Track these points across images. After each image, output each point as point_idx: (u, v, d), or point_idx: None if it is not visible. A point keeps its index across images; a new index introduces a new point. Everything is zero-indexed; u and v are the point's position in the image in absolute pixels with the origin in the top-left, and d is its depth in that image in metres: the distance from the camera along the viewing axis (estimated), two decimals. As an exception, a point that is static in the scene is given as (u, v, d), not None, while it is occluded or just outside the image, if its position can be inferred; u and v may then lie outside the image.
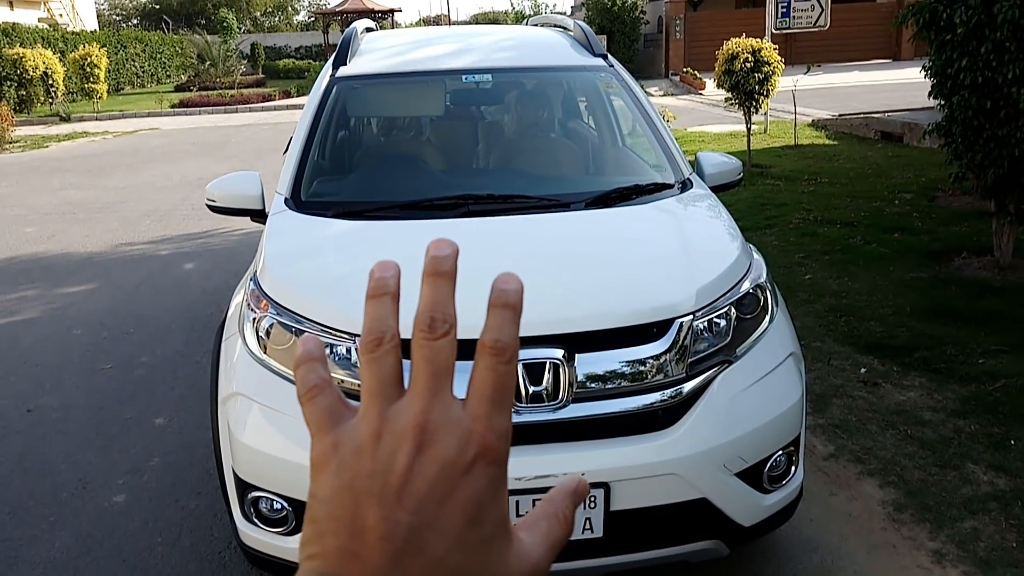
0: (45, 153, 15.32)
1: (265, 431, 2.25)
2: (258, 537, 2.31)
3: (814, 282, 5.64)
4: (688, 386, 2.27)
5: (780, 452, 2.44)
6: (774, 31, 12.39)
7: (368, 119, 4.03)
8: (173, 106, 23.19)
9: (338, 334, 2.24)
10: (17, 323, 5.63)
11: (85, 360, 4.88)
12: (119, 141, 16.87)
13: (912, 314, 4.92)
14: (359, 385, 2.17)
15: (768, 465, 2.40)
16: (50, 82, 22.36)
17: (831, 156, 10.40)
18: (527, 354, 2.16)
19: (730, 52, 9.37)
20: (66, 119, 21.29)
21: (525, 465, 2.13)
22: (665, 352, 2.27)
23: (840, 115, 13.26)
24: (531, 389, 2.15)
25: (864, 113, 12.66)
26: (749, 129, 9.82)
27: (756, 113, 9.69)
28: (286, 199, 3.02)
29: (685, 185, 3.16)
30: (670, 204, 2.96)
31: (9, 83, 22.07)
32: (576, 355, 2.20)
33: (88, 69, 21.90)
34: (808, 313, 5.06)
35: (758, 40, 9.47)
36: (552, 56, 3.81)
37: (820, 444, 3.55)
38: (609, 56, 3.78)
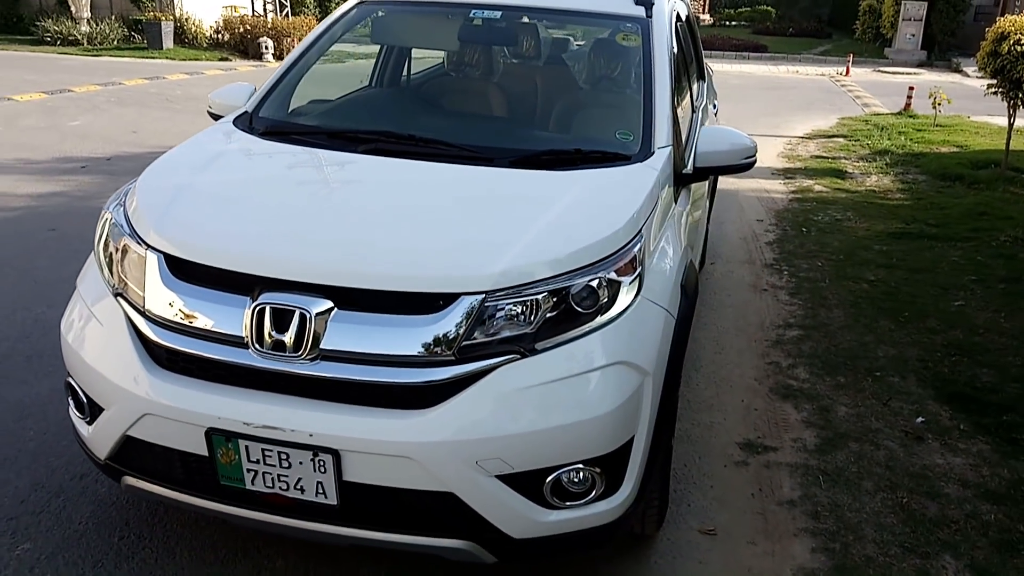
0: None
1: (77, 325, 2.39)
2: (74, 420, 2.48)
3: (960, 311, 4.70)
4: (454, 371, 2.06)
5: (579, 466, 2.14)
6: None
7: (383, 47, 3.92)
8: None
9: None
10: None
11: None
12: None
13: (1047, 370, 3.93)
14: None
15: (551, 476, 2.11)
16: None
17: None
18: (279, 298, 2.09)
19: (1000, 31, 7.86)
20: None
21: (254, 412, 2.08)
22: (439, 328, 2.06)
23: None
24: (274, 336, 2.07)
25: None
26: (1011, 124, 8.24)
27: (1022, 107, 8.07)
28: (243, 113, 3.09)
29: (645, 158, 2.77)
30: (588, 175, 2.62)
31: None
32: (340, 310, 2.08)
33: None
34: (916, 344, 4.25)
35: (1043, 20, 7.82)
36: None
37: (788, 486, 3.03)
38: (655, 6, 3.33)
